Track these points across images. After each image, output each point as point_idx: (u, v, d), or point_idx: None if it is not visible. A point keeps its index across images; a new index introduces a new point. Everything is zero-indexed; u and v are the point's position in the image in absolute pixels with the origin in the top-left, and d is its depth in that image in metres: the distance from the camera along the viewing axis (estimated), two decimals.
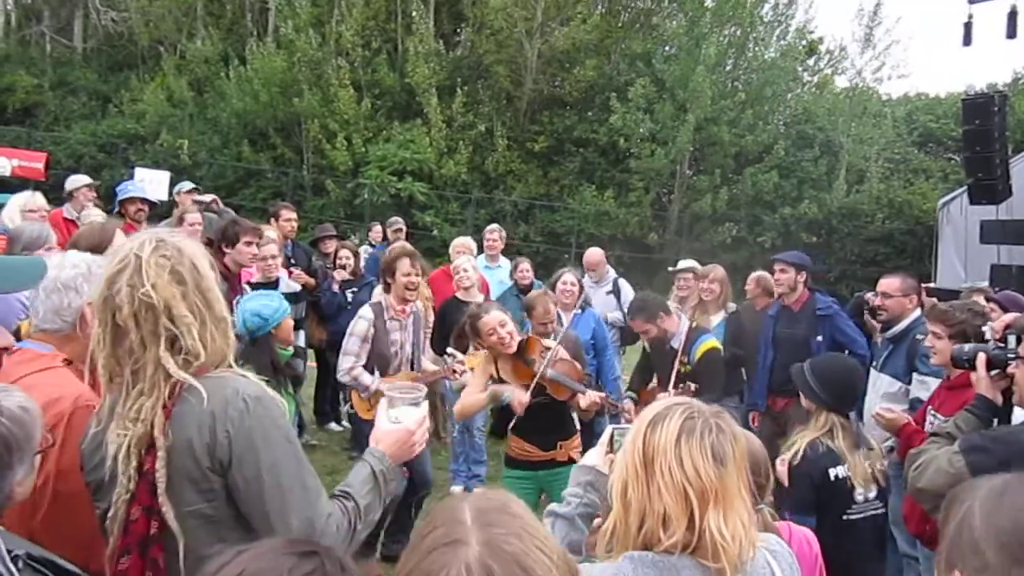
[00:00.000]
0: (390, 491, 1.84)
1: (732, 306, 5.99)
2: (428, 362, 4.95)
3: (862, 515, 3.03)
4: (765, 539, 1.73)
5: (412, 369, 4.71)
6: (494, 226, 7.56)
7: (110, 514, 1.63)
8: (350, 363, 4.53)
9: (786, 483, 2.99)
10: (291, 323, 3.98)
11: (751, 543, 1.57)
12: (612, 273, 6.94)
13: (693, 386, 4.37)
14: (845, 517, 3.00)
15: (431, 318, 5.70)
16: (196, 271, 1.70)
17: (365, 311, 4.59)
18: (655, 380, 5.06)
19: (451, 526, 1.02)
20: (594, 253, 6.91)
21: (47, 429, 1.85)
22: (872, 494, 3.04)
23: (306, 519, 1.62)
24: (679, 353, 4.68)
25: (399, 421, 1.89)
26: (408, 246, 4.92)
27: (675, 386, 4.54)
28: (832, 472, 2.97)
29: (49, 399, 1.88)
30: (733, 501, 1.54)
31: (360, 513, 1.72)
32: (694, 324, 4.88)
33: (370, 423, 1.98)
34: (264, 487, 1.61)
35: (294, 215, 6.74)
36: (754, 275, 6.61)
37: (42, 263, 3.51)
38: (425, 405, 1.93)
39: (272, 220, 6.57)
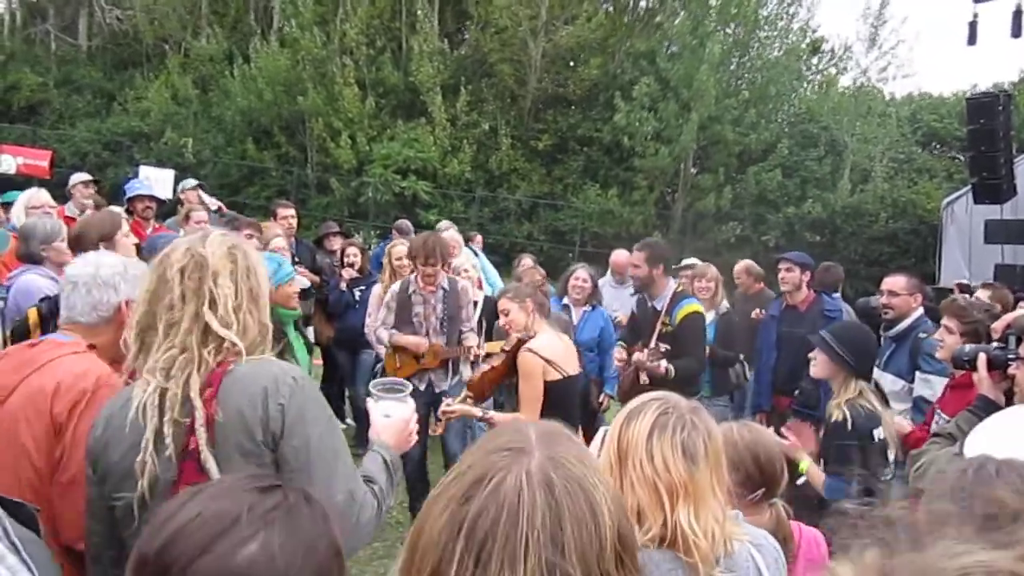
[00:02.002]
0: (396, 480, 1.93)
1: (725, 305, 6.02)
2: (473, 337, 5.09)
3: (891, 477, 3.07)
4: (750, 533, 1.73)
5: (445, 341, 4.97)
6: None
7: (139, 493, 1.60)
8: (374, 325, 5.27)
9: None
10: (293, 289, 3.96)
11: (726, 539, 1.58)
12: None
13: (663, 347, 4.47)
14: (883, 478, 3.03)
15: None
16: (251, 271, 1.78)
17: (395, 284, 5.19)
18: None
19: (516, 437, 1.02)
20: (620, 255, 6.89)
21: (70, 404, 2.01)
22: (893, 455, 3.08)
23: (348, 492, 1.69)
24: (661, 314, 4.70)
25: (390, 415, 2.00)
26: (432, 239, 5.09)
27: (655, 344, 4.60)
28: (875, 433, 3.01)
29: (75, 375, 2.06)
30: (705, 498, 1.56)
31: (384, 496, 1.81)
32: (680, 288, 4.89)
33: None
34: (312, 460, 1.66)
35: (291, 212, 6.76)
36: (742, 264, 6.67)
37: (6, 236, 3.78)
38: (411, 401, 2.05)
39: (272, 218, 6.60)
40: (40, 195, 5.34)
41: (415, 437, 2.04)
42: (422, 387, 4.84)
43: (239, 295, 1.73)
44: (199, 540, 0.92)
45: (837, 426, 3.01)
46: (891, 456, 3.05)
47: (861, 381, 3.12)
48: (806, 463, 2.94)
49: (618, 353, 5.09)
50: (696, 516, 1.53)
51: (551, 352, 3.74)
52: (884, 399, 3.18)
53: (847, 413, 3.01)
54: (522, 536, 0.90)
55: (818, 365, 3.23)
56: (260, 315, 1.78)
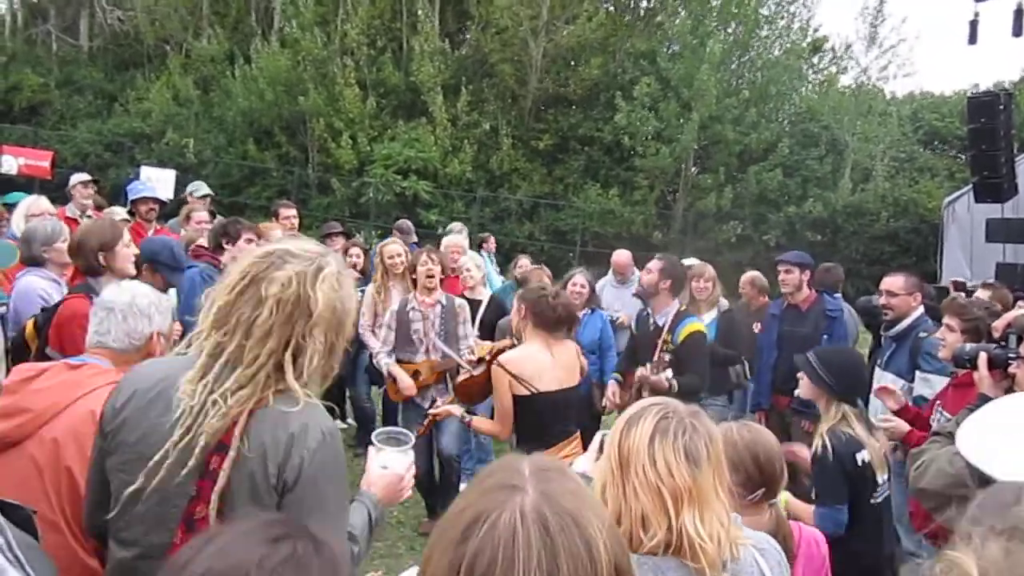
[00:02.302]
0: (374, 535, 1.92)
1: (724, 303, 6.00)
2: (467, 352, 5.12)
3: (883, 497, 3.09)
4: (753, 537, 1.73)
5: (442, 357, 5.01)
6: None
7: (151, 486, 1.61)
8: (376, 348, 5.27)
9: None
10: None
11: (732, 542, 1.58)
12: (638, 274, 6.96)
13: (667, 357, 4.40)
14: (872, 501, 3.04)
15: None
16: (343, 323, 1.72)
17: (394, 304, 5.25)
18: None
19: (510, 474, 1.03)
20: (622, 255, 6.90)
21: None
22: (885, 476, 3.09)
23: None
24: (663, 331, 4.65)
25: (387, 467, 1.99)
26: (428, 246, 5.50)
27: (658, 356, 4.56)
28: (859, 457, 3.01)
29: None
30: (709, 501, 1.56)
31: (357, 558, 1.80)
32: (683, 307, 4.88)
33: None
34: (315, 519, 1.63)
35: (293, 212, 6.76)
36: (747, 276, 6.64)
37: (14, 250, 3.79)
38: (411, 454, 2.04)
39: (273, 218, 6.61)
40: (40, 203, 5.35)
41: (407, 492, 2.04)
42: (425, 404, 4.88)
43: (324, 347, 1.68)
44: None
45: (819, 455, 3.03)
46: (880, 479, 3.06)
47: (845, 405, 3.12)
48: (785, 496, 2.96)
49: (614, 387, 4.94)
50: (701, 520, 1.53)
51: (521, 366, 3.64)
52: (869, 424, 3.19)
53: (827, 442, 3.02)
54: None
55: (803, 387, 3.26)
56: (329, 364, 1.74)
